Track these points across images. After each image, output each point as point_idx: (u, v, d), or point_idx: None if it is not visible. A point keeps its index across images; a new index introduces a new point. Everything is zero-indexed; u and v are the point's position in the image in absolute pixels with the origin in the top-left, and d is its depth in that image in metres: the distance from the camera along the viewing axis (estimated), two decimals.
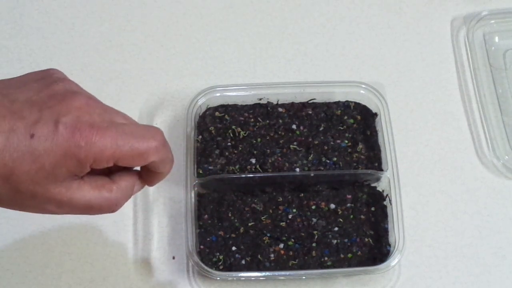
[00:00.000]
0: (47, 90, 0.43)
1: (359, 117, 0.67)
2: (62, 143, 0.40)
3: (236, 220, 0.62)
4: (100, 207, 0.45)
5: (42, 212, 0.44)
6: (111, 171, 0.45)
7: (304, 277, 0.61)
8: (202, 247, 0.61)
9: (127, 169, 0.47)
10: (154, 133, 0.45)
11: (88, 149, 0.41)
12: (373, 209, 0.63)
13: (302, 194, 0.63)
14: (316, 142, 0.65)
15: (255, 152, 0.64)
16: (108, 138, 0.42)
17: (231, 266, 0.60)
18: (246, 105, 0.67)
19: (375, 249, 0.61)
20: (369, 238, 0.61)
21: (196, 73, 0.71)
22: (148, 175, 0.48)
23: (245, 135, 0.65)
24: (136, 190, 0.48)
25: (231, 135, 0.65)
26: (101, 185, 0.44)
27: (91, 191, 0.44)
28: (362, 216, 0.63)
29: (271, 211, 0.62)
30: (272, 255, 0.60)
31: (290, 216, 0.62)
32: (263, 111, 0.67)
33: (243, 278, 0.61)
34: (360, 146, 0.65)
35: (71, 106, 0.42)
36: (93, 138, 0.41)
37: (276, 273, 0.60)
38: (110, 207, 0.45)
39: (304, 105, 0.67)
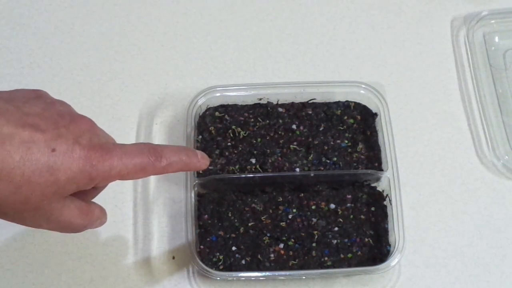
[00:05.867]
0: (53, 109, 0.46)
1: (359, 117, 0.67)
2: (79, 161, 0.43)
3: (236, 220, 0.62)
4: (75, 227, 0.48)
5: (31, 226, 0.46)
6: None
7: (304, 277, 0.61)
8: (202, 247, 0.61)
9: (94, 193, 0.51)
10: (147, 149, 0.48)
11: (100, 168, 0.44)
12: (373, 209, 0.63)
13: (302, 194, 0.63)
14: (316, 142, 0.65)
15: (255, 152, 0.64)
16: (115, 158, 0.45)
17: (231, 266, 0.60)
18: (246, 105, 0.67)
19: (375, 249, 0.61)
20: (369, 238, 0.62)
21: (196, 73, 0.71)
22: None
23: (245, 135, 0.65)
24: (98, 223, 0.51)
25: (231, 135, 0.65)
26: (80, 206, 0.47)
27: (75, 210, 0.47)
28: (362, 216, 0.63)
29: (271, 211, 0.62)
30: (272, 255, 0.60)
31: (290, 216, 0.62)
32: (263, 111, 0.67)
33: (243, 278, 0.61)
34: (360, 146, 0.65)
35: (82, 127, 0.45)
36: (104, 158, 0.45)
37: (276, 273, 0.60)
38: (81, 229, 0.49)
39: (304, 105, 0.67)
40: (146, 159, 0.47)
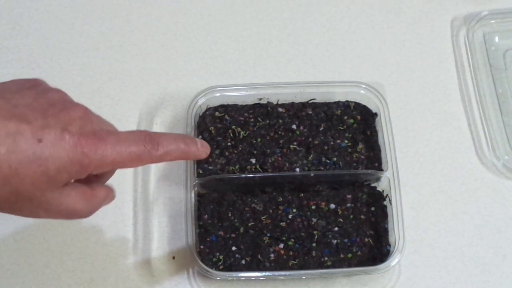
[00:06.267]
0: (44, 98, 0.45)
1: (359, 117, 0.67)
2: (68, 149, 0.43)
3: (236, 220, 0.62)
4: (80, 213, 0.47)
5: (30, 216, 0.46)
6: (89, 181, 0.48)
7: (304, 277, 0.61)
8: (202, 247, 0.61)
9: (101, 180, 0.50)
10: (143, 136, 0.47)
11: (92, 156, 0.43)
12: (373, 209, 0.63)
13: (302, 194, 0.63)
14: (316, 142, 0.65)
15: (255, 152, 0.64)
16: (109, 146, 0.44)
17: (231, 266, 0.60)
18: (246, 105, 0.67)
19: (375, 249, 0.61)
20: (369, 238, 0.62)
21: (196, 73, 0.71)
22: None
23: (245, 135, 0.65)
24: (106, 202, 0.50)
25: (231, 135, 0.65)
26: (83, 192, 0.46)
27: (77, 197, 0.46)
28: (362, 216, 0.63)
29: (271, 211, 0.62)
30: (272, 255, 0.60)
31: (290, 216, 0.62)
32: (263, 111, 0.67)
33: (243, 278, 0.61)
34: (360, 146, 0.65)
35: (73, 115, 0.44)
36: (96, 145, 0.44)
37: (276, 273, 0.60)
38: (87, 214, 0.48)
39: (304, 105, 0.67)
40: (142, 147, 0.46)
